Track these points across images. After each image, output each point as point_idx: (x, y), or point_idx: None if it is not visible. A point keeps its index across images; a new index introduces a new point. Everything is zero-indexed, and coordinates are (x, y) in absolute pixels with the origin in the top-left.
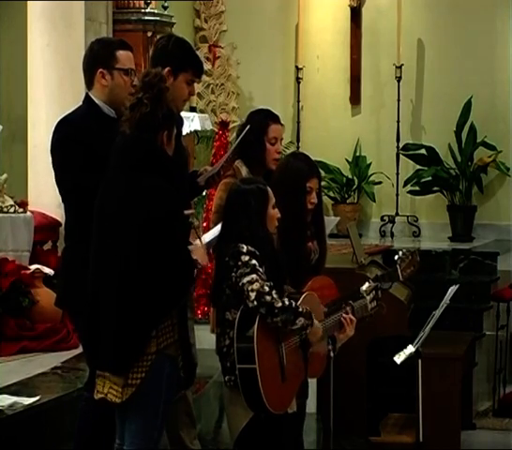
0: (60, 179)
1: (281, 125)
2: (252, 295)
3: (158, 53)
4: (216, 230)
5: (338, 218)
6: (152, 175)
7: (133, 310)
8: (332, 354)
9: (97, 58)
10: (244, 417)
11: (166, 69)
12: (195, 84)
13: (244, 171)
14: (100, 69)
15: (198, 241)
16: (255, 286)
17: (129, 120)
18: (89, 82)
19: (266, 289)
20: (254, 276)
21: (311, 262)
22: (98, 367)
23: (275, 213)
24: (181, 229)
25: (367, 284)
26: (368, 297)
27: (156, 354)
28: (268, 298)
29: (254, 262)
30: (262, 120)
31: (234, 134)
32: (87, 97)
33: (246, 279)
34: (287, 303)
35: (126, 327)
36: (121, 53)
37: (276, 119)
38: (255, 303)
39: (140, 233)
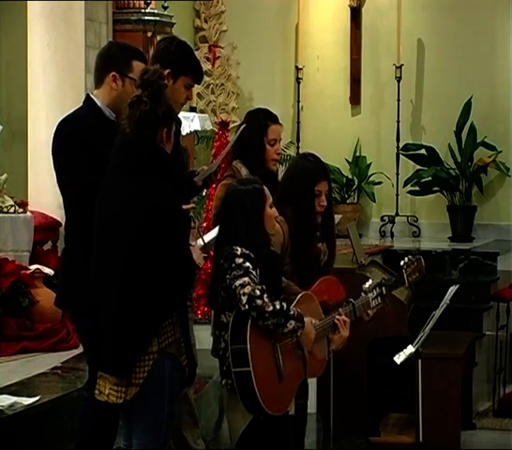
0: (66, 179)
1: (280, 125)
2: (244, 299)
3: (160, 55)
4: (216, 230)
5: (340, 216)
6: (152, 175)
7: (134, 311)
8: (326, 357)
9: (113, 61)
10: (243, 421)
11: (166, 71)
12: (195, 85)
13: (244, 171)
14: (113, 73)
15: (195, 242)
16: (246, 289)
17: (129, 118)
18: (98, 81)
19: (257, 293)
20: (246, 279)
21: (321, 264)
22: (99, 368)
23: (272, 212)
24: (182, 229)
25: (370, 281)
26: (370, 295)
27: (157, 353)
28: (259, 302)
29: (248, 264)
30: (261, 121)
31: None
32: (88, 99)
33: (238, 282)
34: (278, 307)
35: (126, 328)
36: (137, 64)
37: (275, 119)
38: (246, 306)
39: (140, 234)
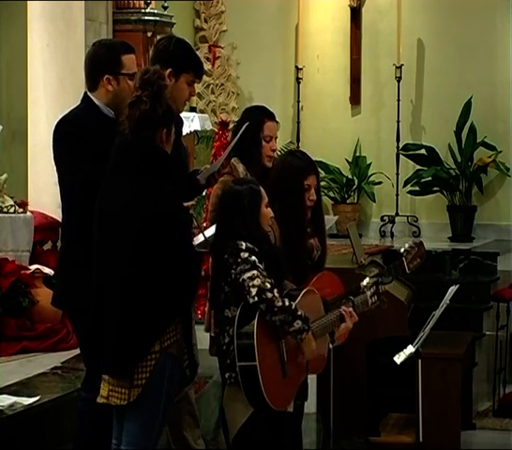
0: (66, 176)
1: (276, 122)
2: (253, 291)
3: (159, 55)
4: (214, 228)
5: (337, 217)
6: (153, 176)
7: (137, 313)
8: (331, 346)
9: (103, 64)
10: (243, 414)
11: (168, 71)
12: (195, 84)
13: (240, 168)
14: (107, 76)
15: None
16: (256, 282)
17: (129, 118)
18: (92, 86)
19: (268, 285)
20: (255, 272)
21: (314, 259)
22: (100, 370)
23: (268, 212)
24: (183, 229)
25: (367, 279)
26: (368, 292)
27: (160, 353)
28: (269, 295)
29: (254, 258)
30: (257, 117)
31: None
32: (86, 98)
33: (246, 275)
34: (287, 303)
35: (128, 330)
36: (126, 58)
37: (271, 116)
38: (256, 299)
39: (142, 234)
